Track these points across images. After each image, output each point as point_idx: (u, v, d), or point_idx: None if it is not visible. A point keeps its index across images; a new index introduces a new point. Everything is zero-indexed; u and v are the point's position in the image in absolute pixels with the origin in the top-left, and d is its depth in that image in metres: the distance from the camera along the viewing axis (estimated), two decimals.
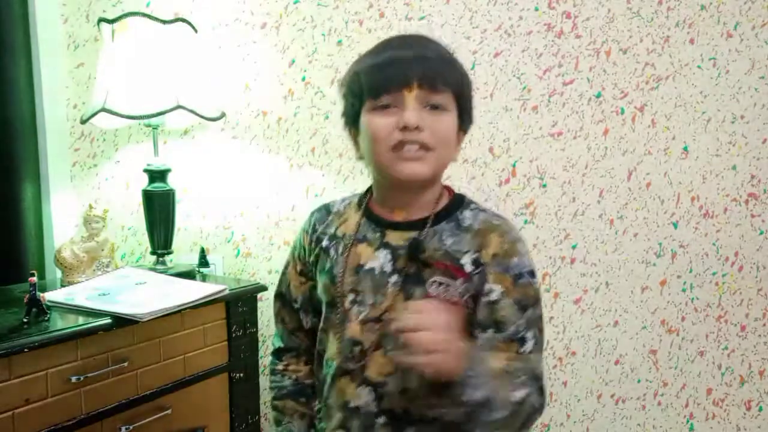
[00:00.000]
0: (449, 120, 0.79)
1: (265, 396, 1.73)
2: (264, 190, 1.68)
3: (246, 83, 1.66)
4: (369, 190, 0.90)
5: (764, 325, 1.55)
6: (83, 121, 1.41)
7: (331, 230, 0.88)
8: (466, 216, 0.82)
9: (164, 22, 1.39)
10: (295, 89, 1.65)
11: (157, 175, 1.46)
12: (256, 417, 1.47)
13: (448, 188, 0.87)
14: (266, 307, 1.70)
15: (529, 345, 0.76)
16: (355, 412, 0.81)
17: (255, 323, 1.45)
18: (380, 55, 0.80)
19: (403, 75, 0.76)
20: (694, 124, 1.52)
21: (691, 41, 1.50)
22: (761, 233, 1.53)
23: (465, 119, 0.83)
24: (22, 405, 1.00)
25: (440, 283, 0.78)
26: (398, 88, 0.76)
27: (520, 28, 1.54)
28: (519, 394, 0.72)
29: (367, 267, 0.82)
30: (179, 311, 1.22)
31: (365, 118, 0.80)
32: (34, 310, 1.11)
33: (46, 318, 1.11)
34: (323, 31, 1.62)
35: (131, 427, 1.15)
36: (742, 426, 1.57)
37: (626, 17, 1.51)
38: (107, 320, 1.11)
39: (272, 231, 1.69)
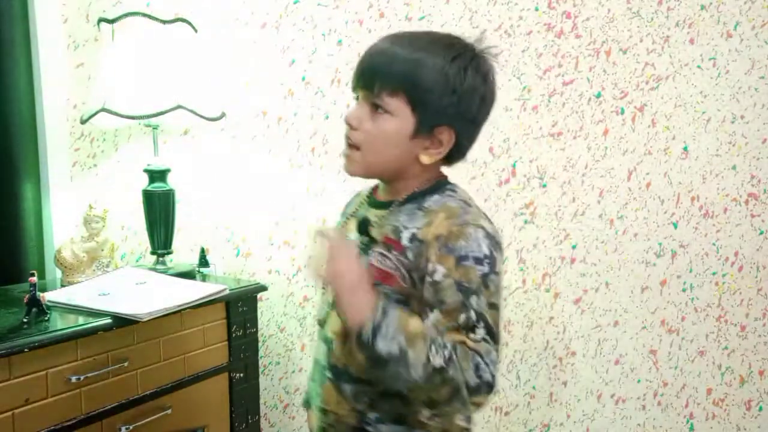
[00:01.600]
0: (388, 124, 0.80)
1: (265, 396, 1.73)
2: (264, 190, 1.68)
3: (246, 83, 1.66)
4: None
5: (764, 325, 1.55)
6: (83, 121, 1.42)
7: (347, 209, 0.98)
8: (433, 199, 0.83)
9: (164, 22, 1.39)
10: (295, 89, 1.65)
11: (157, 175, 1.46)
12: (256, 417, 1.47)
13: (442, 177, 0.88)
14: (266, 308, 1.71)
15: (479, 333, 0.74)
16: (317, 364, 0.90)
17: (255, 323, 1.45)
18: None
19: (355, 76, 0.83)
20: (694, 124, 1.52)
21: (691, 41, 1.50)
22: (761, 233, 1.53)
23: (422, 124, 0.80)
24: (22, 405, 1.00)
25: (380, 254, 0.81)
26: (354, 86, 0.83)
27: (520, 28, 1.54)
28: (438, 361, 0.70)
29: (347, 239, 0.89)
30: (179, 311, 1.22)
31: None
32: (34, 310, 1.11)
33: (46, 318, 1.11)
34: (323, 31, 1.62)
35: (131, 427, 1.15)
36: (742, 426, 1.57)
37: (626, 17, 1.51)
38: (107, 320, 1.11)
39: (272, 231, 1.69)
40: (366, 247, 0.84)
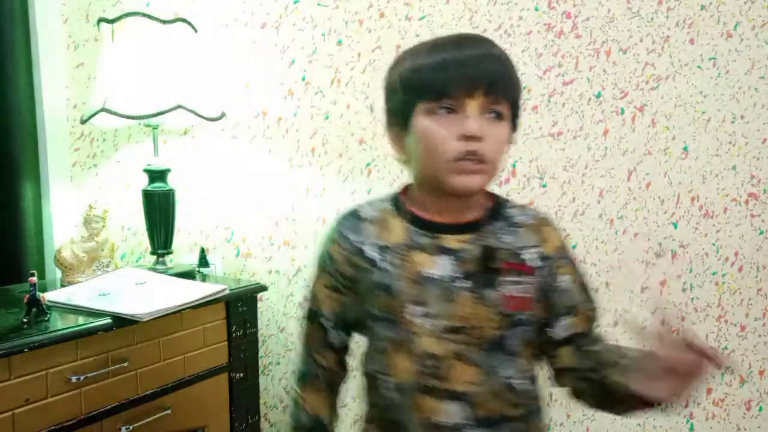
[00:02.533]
0: (505, 129, 0.76)
1: (265, 396, 1.73)
2: (264, 190, 1.68)
3: (246, 83, 1.66)
4: (399, 192, 0.86)
5: (764, 325, 1.55)
6: (83, 121, 1.42)
7: (372, 239, 0.82)
8: (514, 213, 0.82)
9: (164, 22, 1.39)
10: (295, 89, 1.65)
11: (157, 175, 1.46)
12: (256, 417, 1.47)
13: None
14: (266, 308, 1.71)
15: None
16: (443, 428, 0.77)
17: (255, 323, 1.45)
18: (443, 52, 0.74)
19: (469, 79, 0.72)
20: (694, 124, 1.52)
21: (691, 41, 1.50)
22: (761, 233, 1.53)
23: (515, 128, 0.80)
24: (22, 405, 1.00)
25: (513, 282, 0.77)
26: (462, 92, 0.72)
27: (520, 28, 1.54)
28: None
29: (428, 275, 0.77)
30: (179, 311, 1.22)
31: (421, 122, 0.75)
32: (34, 310, 1.11)
33: (46, 318, 1.11)
34: (323, 31, 1.62)
35: (131, 427, 1.15)
36: (742, 426, 1.57)
37: (626, 17, 1.51)
38: (107, 320, 1.11)
39: (272, 231, 1.69)
40: (489, 279, 0.76)
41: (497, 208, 0.82)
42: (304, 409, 0.89)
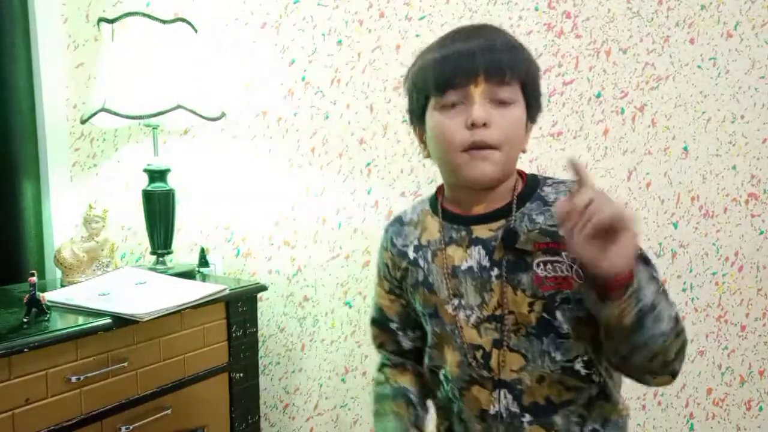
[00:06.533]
0: (517, 113, 0.76)
1: (265, 396, 1.73)
2: (264, 190, 1.68)
3: (246, 83, 1.66)
4: (437, 192, 0.88)
5: (764, 325, 1.55)
6: (83, 121, 1.41)
7: (413, 240, 0.85)
8: (548, 191, 0.80)
9: (164, 22, 1.39)
10: (295, 89, 1.65)
11: (157, 175, 1.46)
12: (256, 417, 1.47)
13: (519, 171, 0.84)
14: (266, 307, 1.71)
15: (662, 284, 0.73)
16: (497, 418, 0.78)
17: (255, 323, 1.45)
18: (445, 48, 0.75)
19: (468, 69, 0.72)
20: (694, 124, 1.52)
21: (691, 41, 1.50)
22: (761, 233, 1.53)
23: (533, 110, 0.79)
24: (22, 405, 1.00)
25: (546, 263, 0.75)
26: (464, 83, 0.73)
27: (520, 28, 1.54)
28: (674, 310, 0.70)
29: (463, 267, 0.79)
30: (179, 311, 1.22)
31: (432, 117, 0.77)
32: (34, 310, 1.11)
33: (46, 318, 1.11)
34: (323, 31, 1.62)
35: (131, 427, 1.15)
36: (742, 426, 1.57)
37: (626, 17, 1.51)
38: (107, 320, 1.11)
39: (272, 231, 1.69)
40: (520, 263, 0.75)
41: (531, 189, 0.80)
42: (388, 384, 0.92)
